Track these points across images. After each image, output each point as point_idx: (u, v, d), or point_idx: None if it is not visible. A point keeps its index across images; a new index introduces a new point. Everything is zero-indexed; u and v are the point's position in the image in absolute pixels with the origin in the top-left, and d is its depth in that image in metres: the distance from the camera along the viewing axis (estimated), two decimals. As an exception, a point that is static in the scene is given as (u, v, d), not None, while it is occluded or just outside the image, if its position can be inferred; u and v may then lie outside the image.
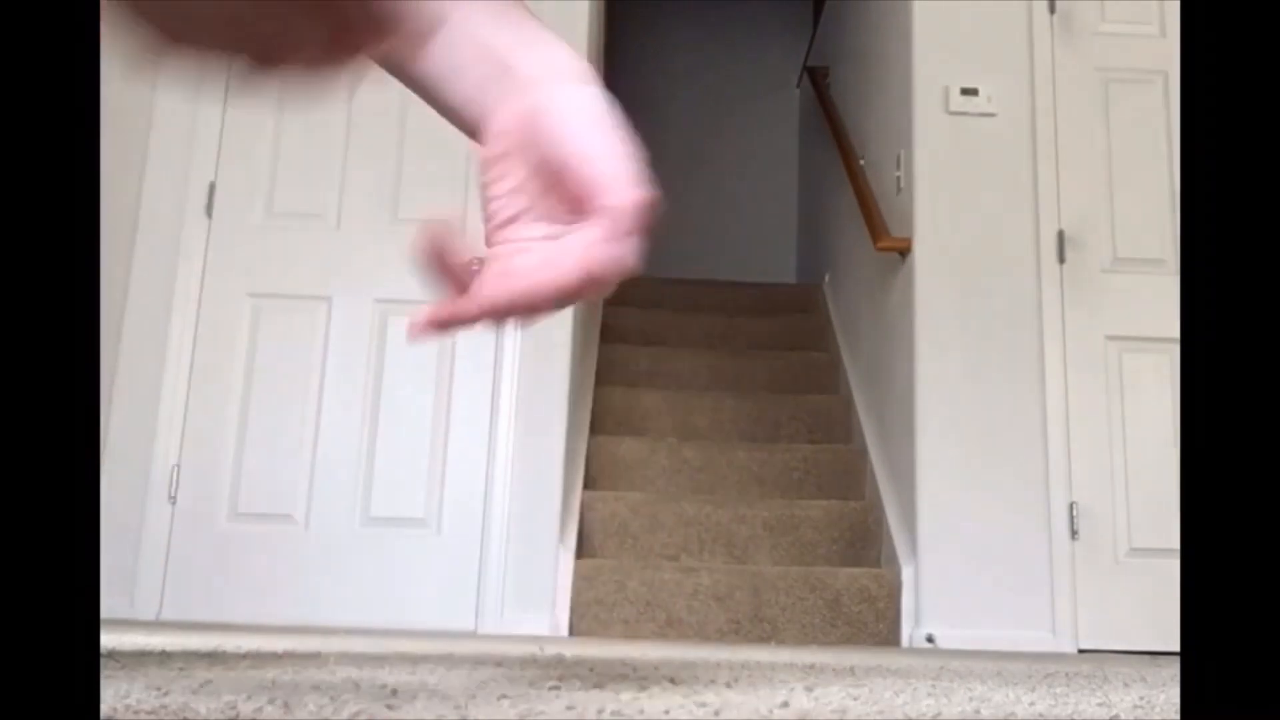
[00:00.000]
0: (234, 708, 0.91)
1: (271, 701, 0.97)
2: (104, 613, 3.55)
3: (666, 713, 1.11)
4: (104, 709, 0.89)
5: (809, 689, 1.29)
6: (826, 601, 3.66)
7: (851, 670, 1.71)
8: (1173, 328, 3.90)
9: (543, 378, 3.81)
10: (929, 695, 1.26)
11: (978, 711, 1.15)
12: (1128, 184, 4.03)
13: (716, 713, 1.15)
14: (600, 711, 1.00)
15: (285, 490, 3.69)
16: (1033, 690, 1.37)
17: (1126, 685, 1.53)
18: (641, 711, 1.14)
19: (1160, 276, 3.95)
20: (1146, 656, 3.45)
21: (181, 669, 1.30)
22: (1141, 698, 1.30)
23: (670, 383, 5.04)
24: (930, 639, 3.57)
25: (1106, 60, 4.13)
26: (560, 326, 3.84)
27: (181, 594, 3.58)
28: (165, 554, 3.61)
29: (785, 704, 1.22)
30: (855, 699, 1.22)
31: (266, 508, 3.67)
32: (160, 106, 3.89)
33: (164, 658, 1.35)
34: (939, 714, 1.17)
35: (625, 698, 1.13)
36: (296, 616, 3.58)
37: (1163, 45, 4.13)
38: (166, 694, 1.00)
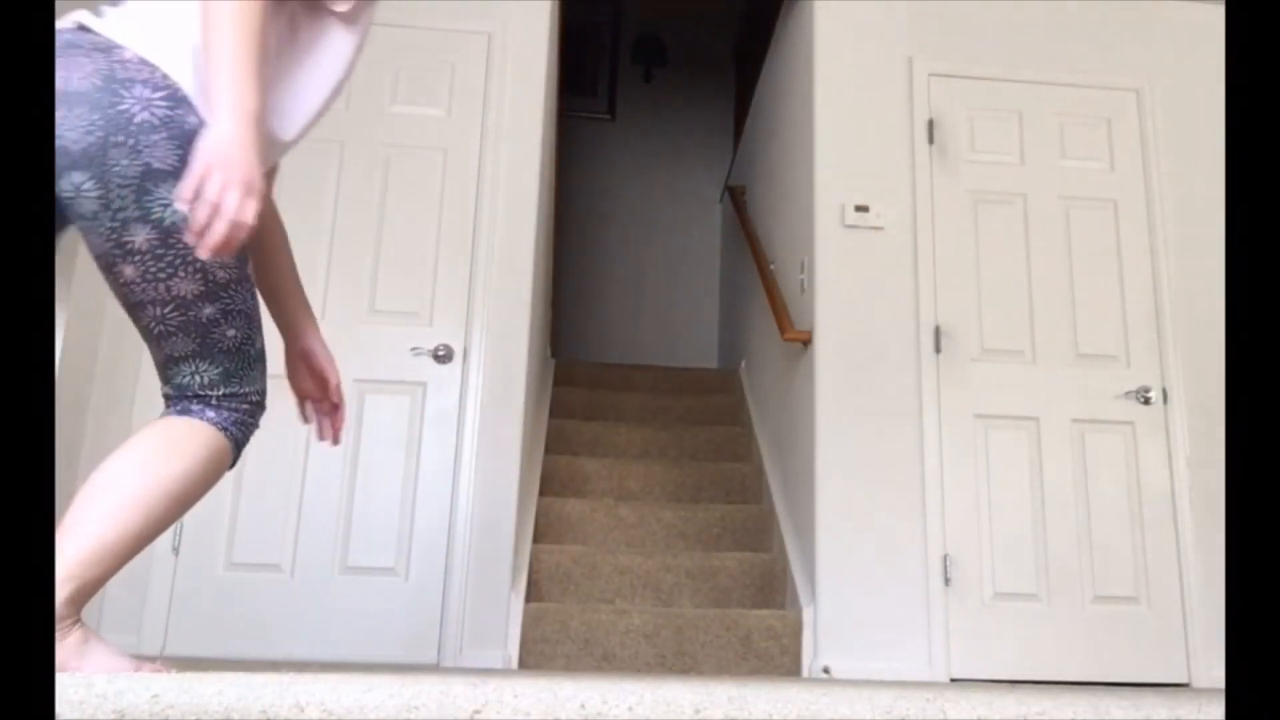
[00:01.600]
0: None
1: None
2: (112, 649, 3.53)
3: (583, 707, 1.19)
4: None
5: (730, 699, 1.36)
6: (739, 639, 3.65)
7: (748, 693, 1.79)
8: (1030, 407, 3.98)
9: (499, 447, 3.81)
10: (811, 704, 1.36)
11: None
12: (993, 287, 4.10)
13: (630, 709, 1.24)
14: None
15: (274, 543, 3.66)
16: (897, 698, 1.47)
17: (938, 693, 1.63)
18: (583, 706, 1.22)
19: (1020, 364, 4.03)
20: (1006, 683, 3.53)
21: None
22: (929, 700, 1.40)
23: (609, 451, 5.03)
24: (826, 670, 3.59)
25: (975, 184, 4.21)
26: (513, 404, 3.85)
27: (183, 632, 3.54)
28: (169, 598, 3.57)
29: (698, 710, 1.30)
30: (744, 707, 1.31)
31: (258, 558, 3.65)
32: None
33: None
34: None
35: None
36: (283, 652, 3.56)
37: (1022, 171, 4.23)
38: None
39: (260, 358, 1.61)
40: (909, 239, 4.13)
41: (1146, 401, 4.04)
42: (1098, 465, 3.97)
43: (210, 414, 1.54)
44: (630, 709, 1.14)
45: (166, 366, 1.55)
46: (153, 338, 1.53)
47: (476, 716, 1.07)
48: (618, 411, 5.52)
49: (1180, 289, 4.19)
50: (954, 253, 4.13)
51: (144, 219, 1.42)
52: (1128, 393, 4.06)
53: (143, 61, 1.45)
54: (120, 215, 1.41)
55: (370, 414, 3.82)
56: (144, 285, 1.47)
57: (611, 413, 5.52)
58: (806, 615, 3.72)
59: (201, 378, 1.54)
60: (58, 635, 1.36)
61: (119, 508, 1.43)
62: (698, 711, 1.18)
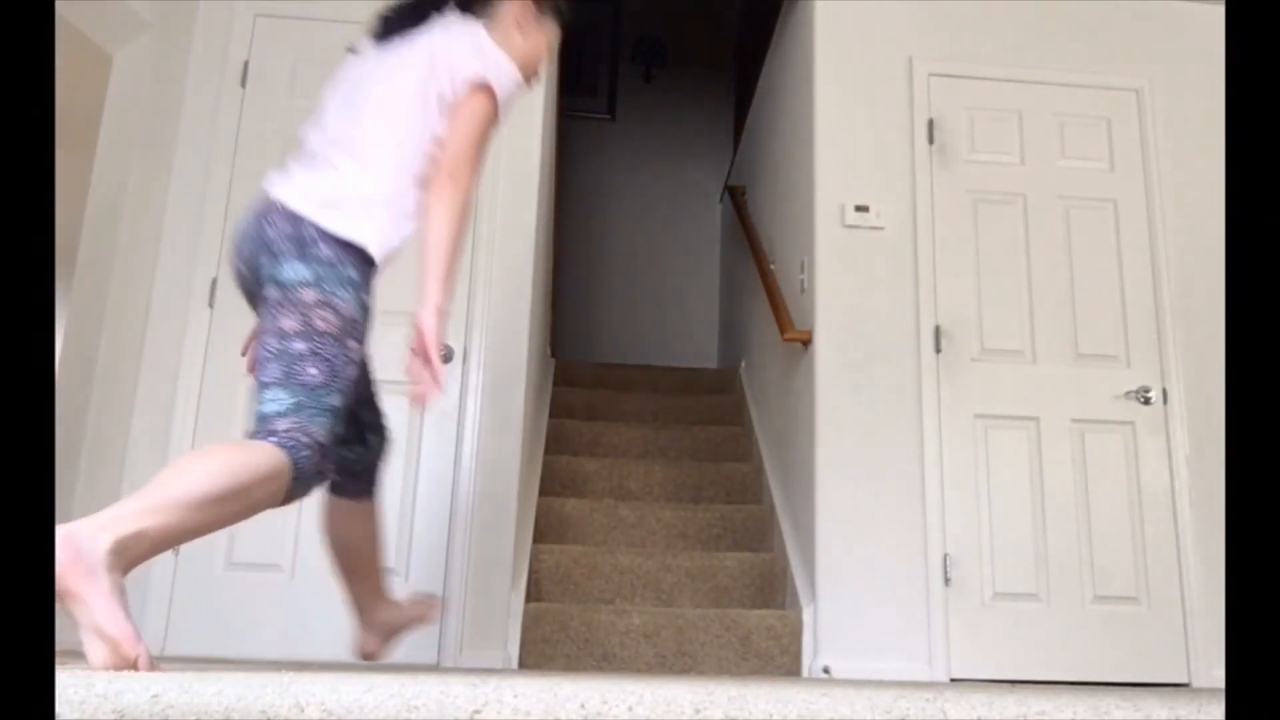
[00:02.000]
0: None
1: None
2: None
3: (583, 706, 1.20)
4: None
5: (730, 699, 1.36)
6: (739, 639, 3.65)
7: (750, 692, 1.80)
8: (1030, 407, 3.99)
9: (499, 447, 3.81)
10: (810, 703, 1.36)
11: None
12: (992, 287, 4.10)
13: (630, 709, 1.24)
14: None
15: (274, 543, 3.66)
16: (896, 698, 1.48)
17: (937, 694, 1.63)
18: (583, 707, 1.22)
19: (1019, 364, 4.02)
20: (1006, 683, 3.54)
21: None
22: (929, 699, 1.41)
23: (608, 452, 5.03)
24: (826, 670, 3.59)
25: (975, 184, 4.21)
26: (513, 404, 3.85)
27: (183, 632, 3.54)
28: (169, 598, 3.57)
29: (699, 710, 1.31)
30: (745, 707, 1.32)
31: (257, 558, 3.64)
32: (170, 214, 3.90)
33: None
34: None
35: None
36: (283, 652, 3.55)
37: (1022, 171, 4.23)
38: None
39: (334, 415, 1.91)
40: (909, 239, 4.12)
41: (1146, 401, 4.04)
42: (1098, 465, 3.97)
43: (274, 438, 1.82)
44: (630, 709, 1.14)
45: (257, 396, 1.90)
46: (259, 363, 1.91)
47: (476, 716, 1.07)
48: (618, 411, 5.53)
49: (1180, 289, 4.19)
50: (954, 253, 4.13)
51: (274, 279, 1.94)
52: (1128, 393, 4.06)
53: (288, 212, 1.99)
54: (261, 275, 1.98)
55: (370, 414, 3.80)
56: (262, 324, 1.95)
57: (611, 413, 5.52)
58: (806, 615, 3.72)
59: (277, 405, 1.85)
60: (92, 572, 1.50)
61: (185, 471, 1.67)
62: (698, 711, 1.18)
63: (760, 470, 4.83)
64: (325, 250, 1.95)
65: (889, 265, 4.09)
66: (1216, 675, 3.77)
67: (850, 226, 4.11)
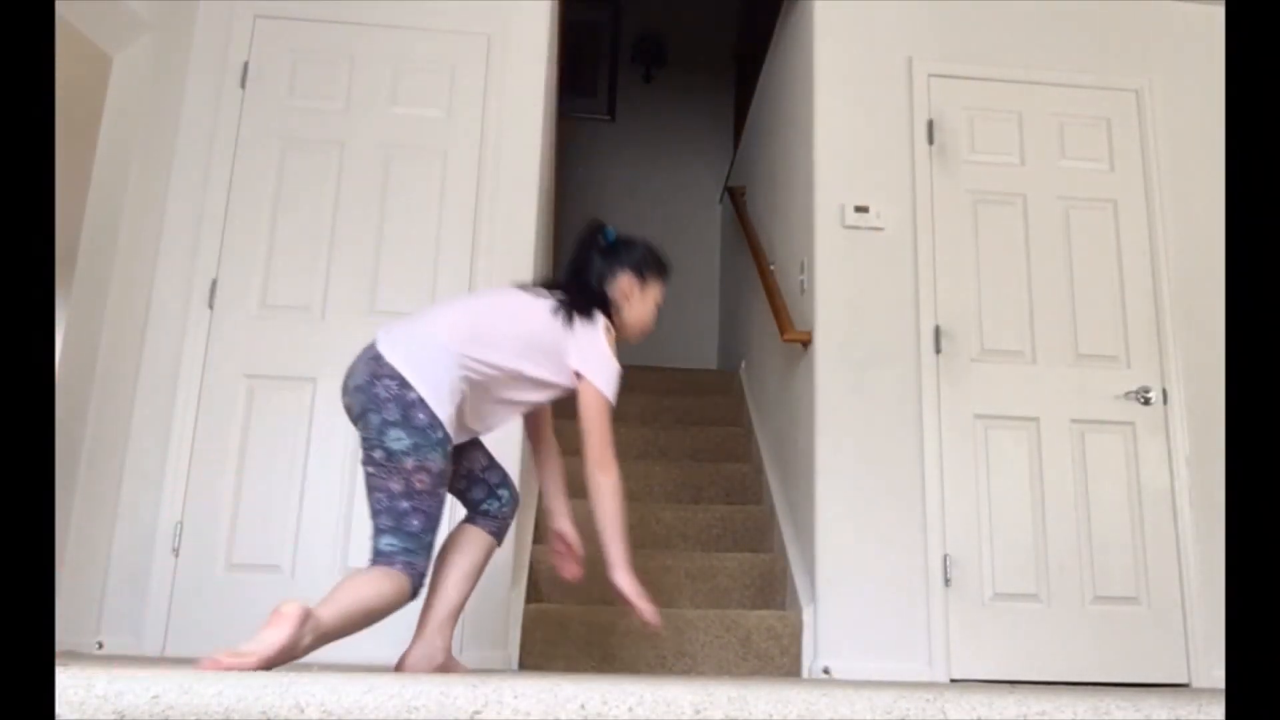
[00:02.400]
0: None
1: None
2: (114, 650, 3.51)
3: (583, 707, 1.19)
4: None
5: (730, 699, 1.36)
6: (739, 639, 3.65)
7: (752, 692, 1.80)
8: (1030, 408, 3.99)
9: (499, 447, 3.79)
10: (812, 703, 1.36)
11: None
12: (992, 287, 4.10)
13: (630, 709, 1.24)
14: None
15: (274, 543, 3.66)
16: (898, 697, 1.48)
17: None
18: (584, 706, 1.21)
19: (1019, 365, 4.03)
20: (1006, 683, 3.54)
21: None
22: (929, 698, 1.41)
23: None
24: (826, 670, 3.59)
25: (975, 184, 4.21)
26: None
27: (183, 634, 3.54)
28: (169, 599, 3.57)
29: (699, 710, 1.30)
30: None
31: (258, 559, 3.64)
32: (170, 215, 3.90)
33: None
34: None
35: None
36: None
37: (1022, 172, 4.23)
38: None
39: (431, 546, 2.43)
40: (909, 239, 4.12)
41: (1146, 402, 4.04)
42: (1098, 466, 3.97)
43: (397, 567, 2.35)
44: (630, 709, 1.14)
45: (374, 533, 2.40)
46: (373, 509, 2.41)
47: (476, 717, 1.07)
48: (617, 412, 5.39)
49: (1180, 289, 4.19)
50: (954, 253, 4.13)
51: (382, 444, 2.39)
52: (1128, 393, 4.06)
53: (398, 375, 2.42)
54: (370, 426, 2.42)
55: (370, 415, 3.80)
56: (374, 478, 2.40)
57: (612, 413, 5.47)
58: (806, 616, 3.72)
59: (392, 546, 2.36)
60: (296, 615, 2.11)
61: (343, 593, 2.26)
62: (698, 711, 1.18)
63: (760, 471, 4.83)
64: (423, 416, 2.39)
65: (889, 266, 4.09)
66: (1216, 675, 3.76)
67: (850, 227, 4.11)
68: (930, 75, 4.30)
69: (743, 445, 5.25)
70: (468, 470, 2.77)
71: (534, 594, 3.91)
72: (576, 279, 2.73)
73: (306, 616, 2.12)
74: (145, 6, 3.79)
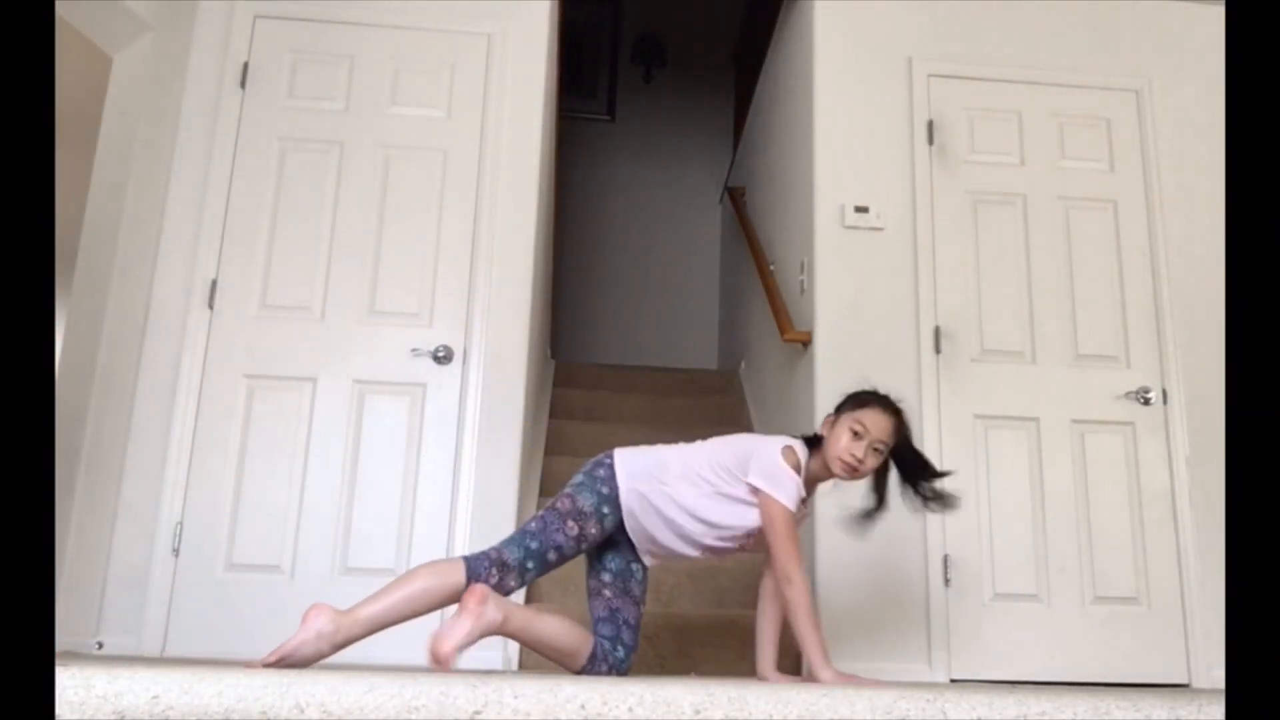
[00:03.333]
0: None
1: None
2: (114, 650, 3.51)
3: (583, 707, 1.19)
4: None
5: (730, 699, 1.35)
6: (739, 639, 3.60)
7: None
8: (1030, 408, 3.98)
9: (497, 448, 3.81)
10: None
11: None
12: (992, 288, 4.10)
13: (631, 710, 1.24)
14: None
15: (274, 544, 3.66)
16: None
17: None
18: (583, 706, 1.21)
19: (1019, 365, 4.02)
20: (1006, 683, 3.53)
21: None
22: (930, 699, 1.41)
23: None
24: (827, 671, 3.60)
25: (975, 184, 4.21)
26: (513, 405, 3.86)
27: (183, 634, 3.53)
28: (169, 599, 3.56)
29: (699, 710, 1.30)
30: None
31: (258, 559, 3.64)
32: (170, 215, 3.90)
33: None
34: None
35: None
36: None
37: (1022, 172, 4.23)
38: None
39: (527, 551, 2.65)
40: (909, 239, 4.12)
41: (1146, 402, 4.04)
42: (1098, 466, 3.97)
43: (469, 556, 2.67)
44: (630, 709, 1.14)
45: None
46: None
47: (477, 717, 1.07)
48: (618, 413, 5.51)
49: (1180, 289, 4.19)
50: (954, 253, 4.13)
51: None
52: (1128, 393, 4.06)
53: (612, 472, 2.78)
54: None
55: (370, 415, 3.81)
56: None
57: (611, 414, 5.51)
58: (806, 616, 3.70)
59: (502, 540, 2.71)
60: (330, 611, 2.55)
61: (402, 583, 2.61)
62: (698, 712, 1.18)
63: (760, 471, 4.78)
64: (602, 472, 2.76)
65: (889, 266, 4.09)
66: (1216, 675, 3.76)
67: (850, 227, 4.11)
68: (930, 75, 4.30)
69: (743, 445, 5.20)
70: (611, 609, 2.85)
71: (534, 594, 3.89)
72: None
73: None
74: (145, 6, 3.79)
